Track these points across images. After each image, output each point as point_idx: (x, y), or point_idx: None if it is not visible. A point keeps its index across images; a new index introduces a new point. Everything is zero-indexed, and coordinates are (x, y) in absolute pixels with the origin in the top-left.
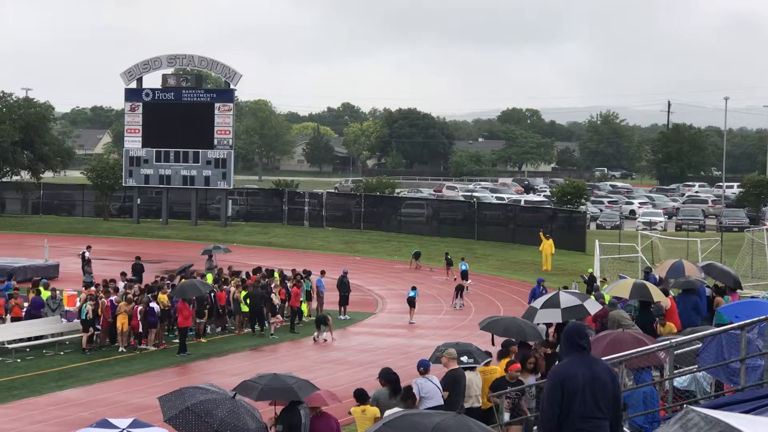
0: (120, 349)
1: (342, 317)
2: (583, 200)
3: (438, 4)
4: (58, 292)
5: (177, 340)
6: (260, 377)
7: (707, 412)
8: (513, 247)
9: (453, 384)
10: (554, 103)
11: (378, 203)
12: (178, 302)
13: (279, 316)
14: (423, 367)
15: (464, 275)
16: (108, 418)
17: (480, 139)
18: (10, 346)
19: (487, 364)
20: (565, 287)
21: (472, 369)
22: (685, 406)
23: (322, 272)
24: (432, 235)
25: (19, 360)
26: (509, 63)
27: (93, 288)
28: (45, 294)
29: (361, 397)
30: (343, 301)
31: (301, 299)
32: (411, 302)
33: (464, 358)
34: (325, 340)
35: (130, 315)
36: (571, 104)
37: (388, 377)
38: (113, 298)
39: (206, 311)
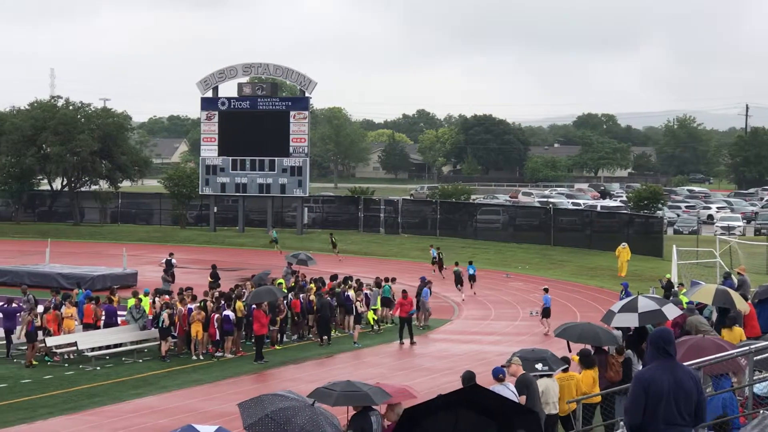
0: (193, 357)
1: (419, 325)
2: (659, 205)
3: (514, 11)
4: (141, 300)
5: (255, 348)
6: (334, 384)
7: None
8: (589, 253)
9: (525, 387)
10: (630, 107)
11: (454, 210)
12: (254, 310)
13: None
14: (500, 374)
15: (470, 278)
16: (193, 424)
17: (556, 145)
18: (90, 354)
19: (564, 370)
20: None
21: (548, 376)
22: (762, 411)
23: (427, 281)
24: (508, 242)
25: (98, 368)
26: (585, 68)
27: (167, 296)
28: (145, 302)
29: None
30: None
31: (374, 307)
32: (471, 278)
33: (539, 366)
34: (408, 344)
35: (205, 323)
36: (647, 109)
37: (469, 382)
38: (190, 306)
39: (278, 319)
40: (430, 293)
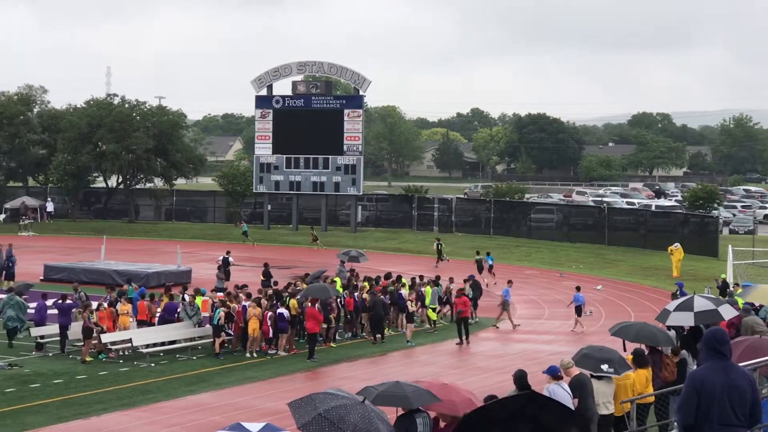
0: (247, 354)
1: (471, 321)
2: (715, 205)
3: (568, 10)
4: (194, 297)
5: (308, 346)
6: (382, 384)
7: None
8: (644, 253)
9: (579, 389)
10: (686, 106)
11: (508, 209)
12: (307, 307)
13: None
14: (554, 373)
15: (489, 268)
16: (241, 422)
17: (610, 144)
18: (145, 350)
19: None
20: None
21: (608, 378)
22: None
23: (509, 282)
24: (562, 241)
25: (153, 364)
26: (640, 67)
27: (221, 294)
28: (199, 300)
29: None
30: (473, 304)
31: (433, 306)
32: (490, 268)
33: (604, 367)
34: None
35: (260, 320)
36: (703, 107)
37: (520, 381)
38: (245, 303)
39: (332, 317)
40: (509, 292)
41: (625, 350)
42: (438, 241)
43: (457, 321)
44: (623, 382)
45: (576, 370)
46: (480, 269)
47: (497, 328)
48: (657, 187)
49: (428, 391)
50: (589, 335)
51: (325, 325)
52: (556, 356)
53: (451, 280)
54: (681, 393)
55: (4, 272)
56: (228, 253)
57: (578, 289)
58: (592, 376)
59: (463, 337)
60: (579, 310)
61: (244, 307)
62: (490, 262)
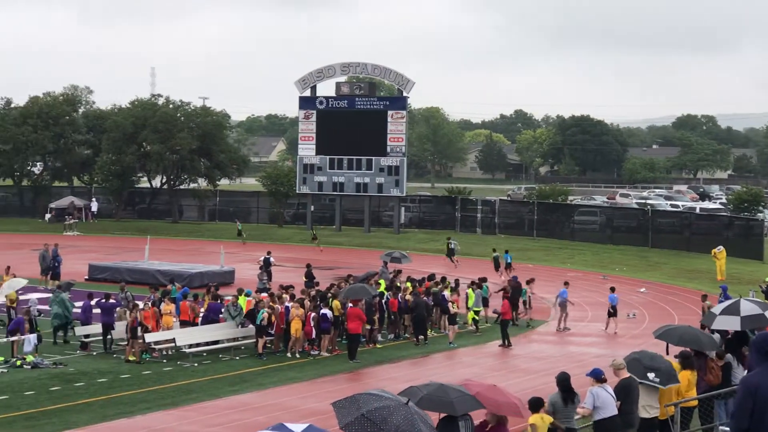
0: (288, 355)
1: (516, 323)
2: (760, 207)
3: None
4: (238, 298)
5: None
6: (426, 385)
7: None
8: (688, 256)
9: (624, 393)
10: (731, 108)
11: (551, 210)
12: (350, 308)
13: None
14: (598, 376)
15: (506, 266)
16: (284, 422)
17: (654, 146)
18: (188, 350)
19: None
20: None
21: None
22: None
23: (566, 283)
24: (605, 243)
25: (196, 364)
26: (685, 69)
27: (265, 294)
28: (242, 300)
29: (535, 405)
30: (515, 306)
31: (478, 308)
32: (508, 266)
33: (651, 375)
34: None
35: (303, 321)
36: (748, 110)
37: (562, 384)
38: (288, 304)
39: (375, 318)
40: (567, 293)
41: (668, 354)
42: (450, 240)
43: (501, 323)
44: (668, 387)
45: (625, 373)
46: (497, 267)
47: (568, 330)
48: (701, 190)
49: (473, 398)
50: (632, 338)
51: (368, 326)
52: (600, 359)
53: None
54: (735, 399)
55: (50, 272)
56: (269, 253)
57: (612, 290)
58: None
59: (507, 340)
60: (613, 311)
61: (287, 307)
62: (509, 260)
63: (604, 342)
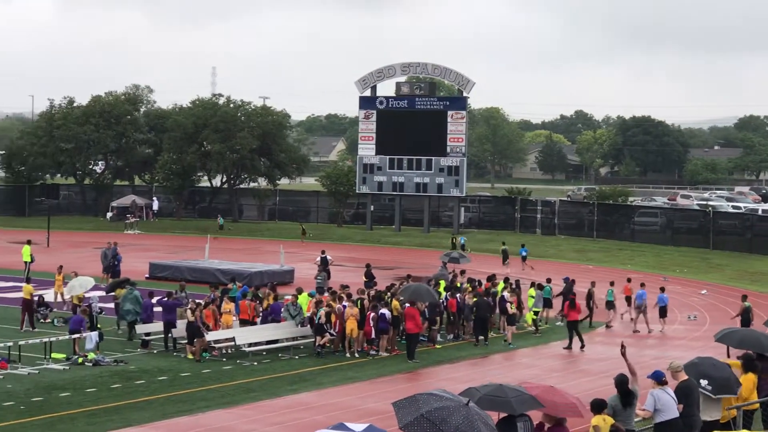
0: (346, 354)
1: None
2: None
3: (671, 12)
4: (297, 298)
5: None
6: (485, 386)
7: None
8: (750, 257)
9: (684, 396)
10: None
11: (611, 211)
12: (407, 308)
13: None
14: (659, 378)
15: (522, 259)
16: (344, 422)
17: (716, 147)
18: (247, 349)
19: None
20: None
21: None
22: None
23: (642, 284)
24: (666, 245)
25: (255, 363)
26: (747, 69)
27: (326, 294)
28: (302, 299)
29: (598, 407)
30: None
31: (537, 309)
32: (523, 259)
33: (704, 382)
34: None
35: (360, 321)
36: None
37: (621, 386)
38: (344, 303)
39: (437, 319)
40: (645, 295)
41: (728, 357)
42: (453, 239)
43: (568, 325)
44: None
45: (684, 375)
46: (505, 259)
47: (637, 332)
48: (764, 191)
49: (532, 397)
50: (692, 340)
51: (432, 327)
52: (660, 361)
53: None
54: None
55: (110, 271)
56: (323, 252)
57: (662, 290)
58: None
59: (572, 341)
60: (663, 311)
61: (344, 307)
62: (524, 254)
63: (665, 344)
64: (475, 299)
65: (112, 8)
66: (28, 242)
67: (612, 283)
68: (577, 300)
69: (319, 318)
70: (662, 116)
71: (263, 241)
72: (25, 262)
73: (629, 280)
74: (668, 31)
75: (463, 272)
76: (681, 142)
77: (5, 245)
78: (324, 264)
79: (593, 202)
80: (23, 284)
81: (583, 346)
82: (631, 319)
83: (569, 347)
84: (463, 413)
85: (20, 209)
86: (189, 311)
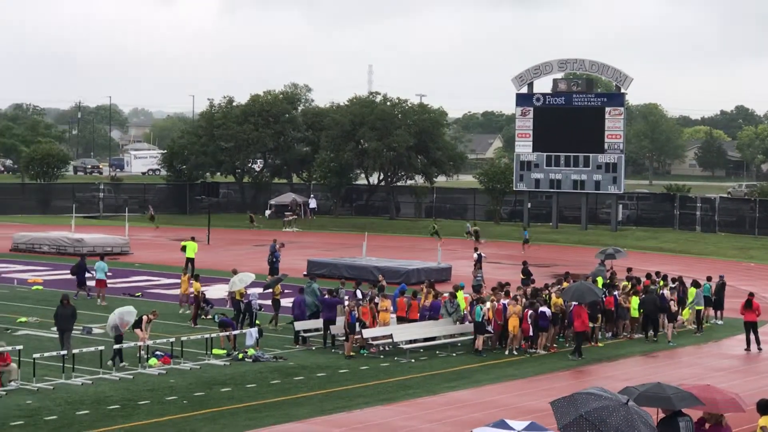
0: (506, 352)
1: (716, 322)
2: None
3: None
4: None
5: (572, 344)
6: (643, 384)
7: None
8: None
9: None
10: None
11: None
12: (574, 306)
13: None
14: None
15: (525, 242)
16: (505, 419)
17: None
18: (405, 346)
19: None
20: None
21: None
22: None
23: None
24: None
25: (413, 360)
26: None
27: (483, 291)
28: (460, 296)
29: (765, 408)
30: (718, 305)
31: (698, 307)
32: (526, 242)
33: None
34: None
35: (520, 318)
36: None
37: None
38: (504, 301)
39: (599, 316)
40: None
41: None
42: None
43: (745, 326)
44: None
45: None
46: (476, 239)
47: None
48: None
49: (690, 394)
50: None
51: (593, 324)
52: None
53: (709, 279)
54: None
55: (269, 268)
56: (476, 249)
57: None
58: None
59: (750, 343)
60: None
61: (504, 305)
62: (526, 236)
63: None
64: (636, 297)
65: (271, 9)
66: (192, 239)
67: None
68: (755, 300)
69: (482, 316)
70: None
71: (420, 238)
72: (190, 259)
73: None
74: None
75: (629, 269)
76: None
77: (166, 242)
78: (480, 261)
79: (755, 199)
80: (192, 281)
81: (760, 349)
82: None
83: (747, 348)
84: (622, 413)
85: (181, 207)
86: (343, 308)
